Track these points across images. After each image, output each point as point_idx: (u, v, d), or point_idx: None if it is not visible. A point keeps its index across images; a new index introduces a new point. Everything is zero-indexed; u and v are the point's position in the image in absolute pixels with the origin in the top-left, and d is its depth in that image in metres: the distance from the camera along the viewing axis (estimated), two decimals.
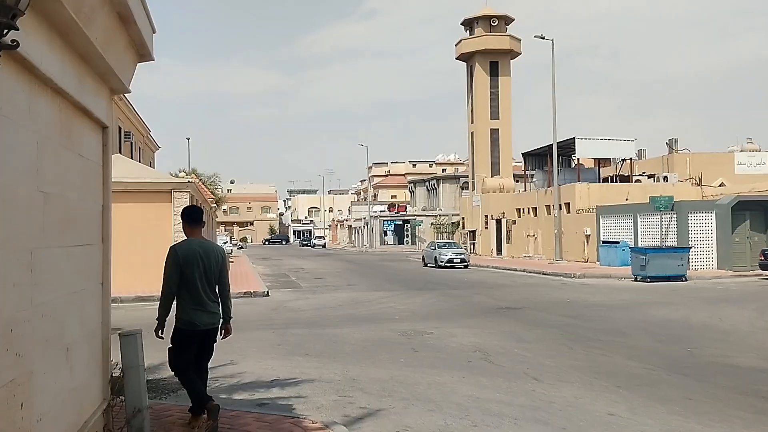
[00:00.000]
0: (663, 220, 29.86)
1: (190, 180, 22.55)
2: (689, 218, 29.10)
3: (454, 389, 8.81)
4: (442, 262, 36.93)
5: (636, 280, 25.79)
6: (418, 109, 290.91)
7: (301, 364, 10.61)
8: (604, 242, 32.97)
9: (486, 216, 49.49)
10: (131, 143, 36.04)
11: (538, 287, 23.98)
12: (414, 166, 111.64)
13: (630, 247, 27.56)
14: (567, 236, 36.57)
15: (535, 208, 41.97)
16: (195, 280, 6.17)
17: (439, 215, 73.09)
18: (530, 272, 31.57)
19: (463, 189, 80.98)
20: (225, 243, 63.55)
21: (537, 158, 45.47)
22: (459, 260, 37.09)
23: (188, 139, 62.74)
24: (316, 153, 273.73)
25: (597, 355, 11.13)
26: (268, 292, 22.15)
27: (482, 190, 51.11)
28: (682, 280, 25.40)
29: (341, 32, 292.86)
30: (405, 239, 77.31)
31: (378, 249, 74.49)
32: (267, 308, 18.69)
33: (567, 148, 40.32)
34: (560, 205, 36.28)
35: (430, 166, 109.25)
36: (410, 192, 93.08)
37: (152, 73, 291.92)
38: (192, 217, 6.49)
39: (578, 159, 39.51)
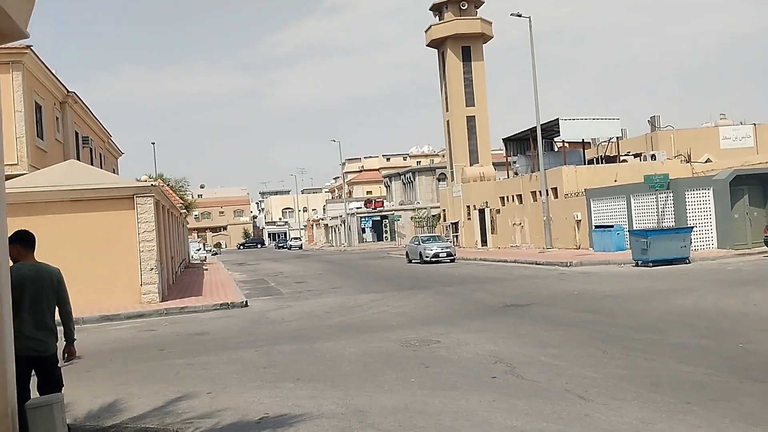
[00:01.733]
0: (659, 199, 28.44)
1: (153, 183, 20.53)
2: (686, 196, 27.72)
3: (487, 419, 7.07)
4: (427, 257, 35.27)
5: (637, 265, 24.33)
6: (389, 104, 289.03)
7: (294, 393, 8.79)
8: (596, 227, 31.51)
9: (468, 206, 47.91)
10: (90, 149, 33.82)
11: (537, 279, 22.37)
12: (388, 160, 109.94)
13: (629, 231, 26.08)
14: (556, 222, 35.09)
15: (520, 195, 40.47)
16: (23, 306, 5.79)
17: (418, 208, 71.51)
18: (522, 263, 30.02)
19: (440, 180, 79.55)
20: (198, 250, 61.38)
21: (518, 143, 43.98)
22: (445, 254, 35.47)
23: (153, 143, 60.95)
24: (287, 153, 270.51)
25: (640, 359, 9.46)
26: (246, 301, 20.25)
27: (462, 180, 49.52)
28: (686, 263, 23.99)
29: (305, 30, 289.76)
30: (384, 235, 75.60)
31: (357, 247, 72.70)
32: (247, 321, 16.82)
33: (549, 130, 38.87)
34: (547, 191, 34.76)
35: (405, 159, 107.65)
36: (386, 187, 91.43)
37: (114, 79, 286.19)
38: (23, 240, 6.17)
39: (563, 141, 38.04)
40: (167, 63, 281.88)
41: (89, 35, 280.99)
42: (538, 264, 28.54)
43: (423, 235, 41.55)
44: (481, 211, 45.84)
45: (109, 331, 16.49)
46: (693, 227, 25.52)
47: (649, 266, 23.58)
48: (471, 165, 51.55)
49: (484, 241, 45.46)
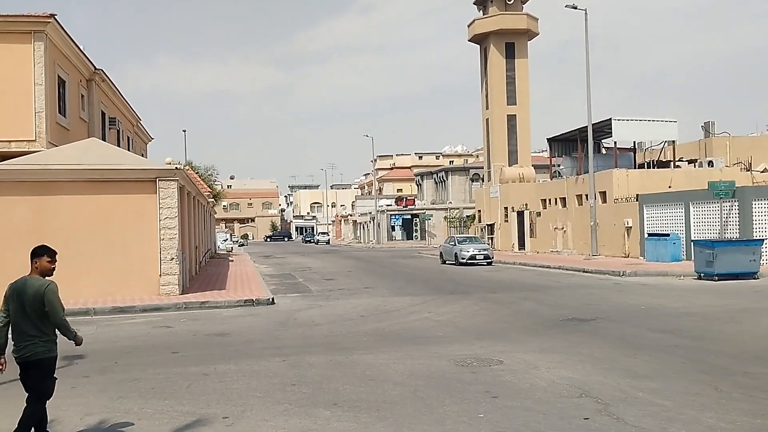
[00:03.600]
0: (723, 208, 26.17)
1: (178, 166, 18.88)
2: (753, 206, 25.41)
3: None
4: (463, 258, 33.28)
5: (700, 278, 22.12)
6: (422, 103, 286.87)
7: (331, 426, 6.98)
8: (650, 235, 29.26)
9: (506, 208, 45.78)
10: (118, 131, 32.40)
11: (591, 289, 20.31)
12: (420, 158, 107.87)
13: (692, 241, 23.86)
14: (603, 229, 32.88)
15: (564, 198, 38.26)
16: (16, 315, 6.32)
17: (450, 208, 69.41)
18: (567, 270, 27.91)
19: (473, 181, 77.39)
20: (225, 240, 60.13)
21: (564, 144, 41.71)
22: (482, 257, 33.44)
23: (184, 131, 59.18)
24: (318, 148, 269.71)
25: (766, 401, 7.49)
26: (273, 299, 18.50)
27: (500, 181, 47.40)
28: (754, 278, 21.73)
29: (339, 28, 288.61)
30: (414, 234, 73.57)
31: (386, 245, 70.84)
32: (273, 321, 15.06)
33: (599, 132, 36.62)
34: (595, 195, 32.56)
35: (437, 158, 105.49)
36: (417, 185, 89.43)
37: (149, 71, 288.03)
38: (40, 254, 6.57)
39: (615, 143, 35.73)
40: (202, 56, 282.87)
41: (126, 24, 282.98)
42: (587, 272, 26.42)
43: (459, 235, 39.55)
44: (520, 214, 43.70)
45: (121, 324, 14.84)
46: (764, 240, 23.24)
47: (714, 280, 21.39)
48: (510, 165, 49.37)
49: (521, 245, 43.31)
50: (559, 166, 41.02)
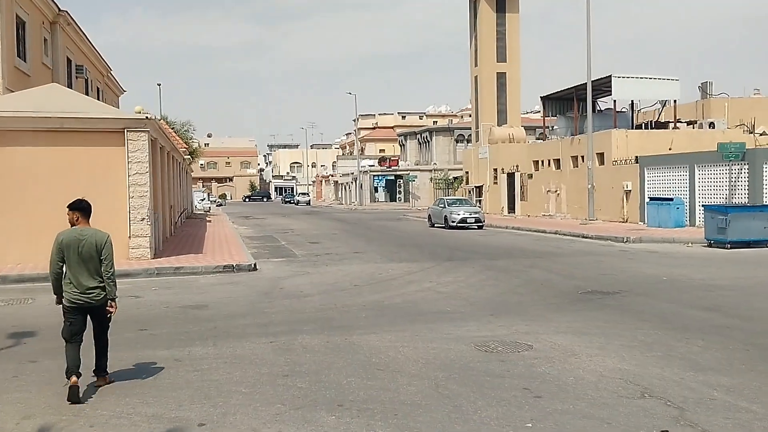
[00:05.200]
0: (732, 172, 24.79)
1: (148, 116, 16.93)
2: (764, 169, 24.05)
3: None
4: (453, 222, 31.76)
5: (710, 245, 20.80)
6: (405, 63, 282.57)
7: None
8: (651, 199, 27.87)
9: (495, 169, 44.23)
10: (86, 80, 30.14)
11: (597, 256, 18.88)
12: (403, 118, 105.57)
13: (704, 206, 22.44)
14: (600, 192, 31.45)
15: (558, 159, 36.73)
16: (71, 265, 6.71)
17: (435, 169, 67.76)
18: (565, 235, 26.51)
19: (458, 142, 75.69)
20: (203, 200, 58.09)
21: (558, 103, 40.04)
22: (473, 220, 31.95)
23: (159, 84, 56.55)
24: (298, 107, 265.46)
25: None
26: (255, 264, 16.83)
27: (489, 141, 45.75)
28: (767, 246, 20.45)
29: None
30: (397, 196, 71.96)
31: (368, 206, 69.20)
32: (256, 291, 13.41)
33: (596, 89, 34.94)
34: (593, 156, 31.04)
35: (421, 118, 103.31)
36: (400, 146, 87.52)
37: (125, 24, 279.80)
38: (80, 208, 6.96)
39: (615, 102, 34.11)
40: (179, 10, 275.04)
41: None
42: (587, 237, 25.01)
43: (449, 197, 37.92)
44: (510, 176, 42.18)
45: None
46: None
47: (726, 248, 20.06)
48: (499, 125, 47.66)
49: (511, 208, 41.89)
50: (552, 126, 39.40)
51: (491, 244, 23.30)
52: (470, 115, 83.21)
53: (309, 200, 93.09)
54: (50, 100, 17.00)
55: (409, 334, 9.20)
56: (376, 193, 73.26)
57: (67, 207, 6.95)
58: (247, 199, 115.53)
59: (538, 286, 13.59)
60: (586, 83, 31.55)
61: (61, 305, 6.86)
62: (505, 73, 49.20)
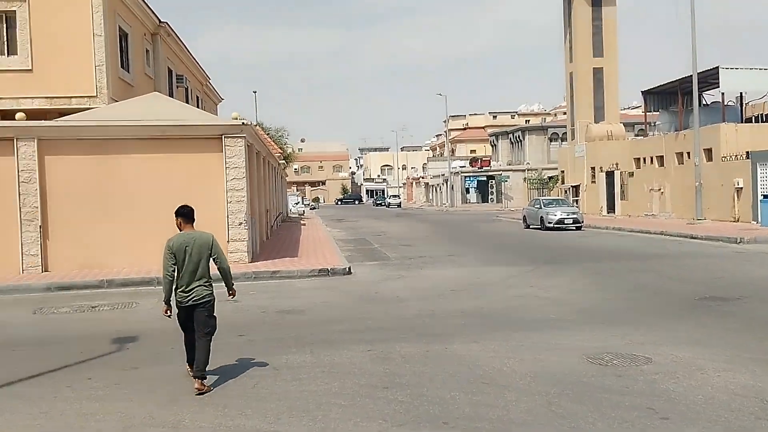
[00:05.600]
0: None
1: (245, 122, 17.09)
2: None
3: None
4: (550, 222, 30.77)
5: None
6: (495, 62, 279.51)
7: None
8: (765, 197, 26.05)
9: (593, 168, 42.69)
10: (186, 89, 31.02)
11: (710, 258, 17.69)
12: (494, 117, 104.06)
13: None
14: (708, 190, 29.70)
15: (661, 156, 35.01)
16: (184, 266, 7.13)
17: (529, 169, 66.29)
18: (672, 235, 25.13)
19: (551, 140, 73.87)
20: (297, 203, 59.09)
21: (660, 97, 38.22)
22: (571, 221, 30.85)
23: (255, 92, 57.92)
24: (388, 110, 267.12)
25: None
26: (350, 268, 16.68)
27: (586, 139, 44.21)
28: None
29: None
30: (489, 197, 70.86)
31: (460, 208, 68.48)
32: (352, 296, 13.21)
33: (702, 82, 33.03)
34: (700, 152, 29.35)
35: (512, 117, 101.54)
36: (492, 146, 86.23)
37: (221, 36, 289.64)
38: (183, 214, 7.41)
39: (723, 94, 32.22)
40: (271, 21, 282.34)
41: None
42: (695, 238, 23.60)
43: (545, 198, 36.86)
44: (609, 174, 40.59)
45: None
46: None
47: None
48: (596, 122, 46.01)
49: (611, 208, 40.29)
50: (654, 122, 37.63)
51: (592, 246, 22.33)
52: (564, 113, 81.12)
53: (400, 202, 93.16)
54: (152, 109, 17.46)
55: (514, 343, 8.70)
56: (467, 195, 72.46)
57: (174, 213, 7.43)
58: (339, 202, 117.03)
59: (648, 291, 12.76)
60: (690, 76, 29.93)
61: (167, 306, 7.18)
62: (602, 68, 47.40)
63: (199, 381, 6.93)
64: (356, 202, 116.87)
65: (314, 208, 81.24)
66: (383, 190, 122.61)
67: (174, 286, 7.16)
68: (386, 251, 22.67)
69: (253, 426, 5.91)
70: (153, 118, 16.73)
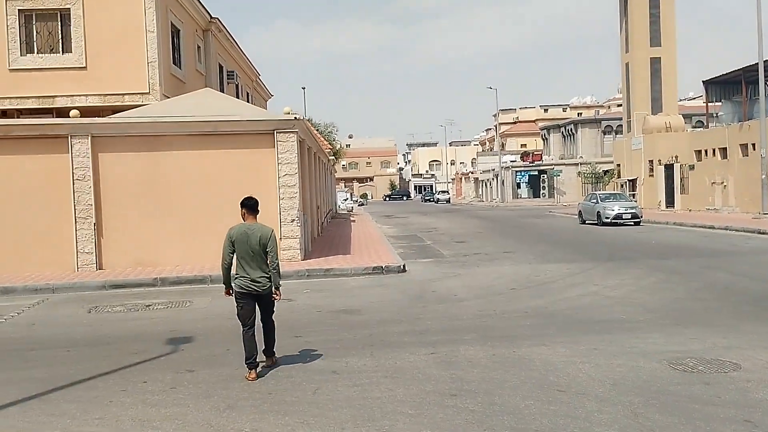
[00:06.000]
0: None
1: (297, 117, 16.82)
2: None
3: None
4: (607, 218, 29.84)
5: None
6: (544, 55, 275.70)
7: None
8: None
9: (651, 161, 41.40)
10: (237, 85, 31.04)
11: None
12: (546, 111, 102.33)
13: None
14: None
15: (724, 148, 33.68)
16: (244, 256, 7.42)
17: (582, 163, 64.87)
18: (738, 231, 24.04)
19: (605, 133, 72.17)
20: (345, 200, 58.92)
21: (723, 87, 36.80)
22: (629, 216, 29.86)
23: (303, 88, 57.77)
24: (435, 105, 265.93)
25: None
26: (404, 266, 16.27)
27: (643, 131, 42.90)
28: None
29: None
30: (541, 192, 69.63)
31: (510, 203, 67.46)
32: (408, 295, 12.80)
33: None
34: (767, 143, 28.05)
35: (564, 110, 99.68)
36: (543, 139, 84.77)
37: (270, 33, 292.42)
38: (247, 205, 7.70)
39: None
40: (319, 18, 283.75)
41: None
42: (763, 233, 22.52)
43: (601, 192, 35.83)
44: (668, 167, 39.27)
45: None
46: None
47: None
48: (653, 114, 44.61)
49: (670, 202, 38.99)
50: (716, 113, 36.25)
51: (653, 242, 21.46)
52: (619, 105, 79.23)
53: (449, 198, 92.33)
54: (204, 105, 17.34)
55: (585, 346, 8.18)
56: (518, 189, 71.37)
57: (240, 204, 7.73)
58: (387, 198, 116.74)
59: (722, 290, 12.04)
60: (755, 64, 28.66)
61: (227, 287, 7.68)
62: (660, 57, 45.93)
63: (271, 358, 7.73)
64: (404, 198, 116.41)
65: (362, 205, 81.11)
66: (431, 186, 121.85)
67: (234, 273, 7.47)
68: (439, 248, 22.20)
69: None
70: (205, 114, 16.60)
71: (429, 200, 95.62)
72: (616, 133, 72.35)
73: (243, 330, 7.46)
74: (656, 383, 6.60)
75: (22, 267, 15.65)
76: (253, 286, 7.42)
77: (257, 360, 7.37)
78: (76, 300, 13.17)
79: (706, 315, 9.94)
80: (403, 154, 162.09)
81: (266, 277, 7.47)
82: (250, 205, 7.70)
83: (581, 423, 5.59)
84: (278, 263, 7.59)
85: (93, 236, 16.04)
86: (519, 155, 78.41)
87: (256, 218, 7.71)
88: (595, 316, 10.12)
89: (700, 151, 36.35)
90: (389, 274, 15.57)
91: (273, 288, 7.54)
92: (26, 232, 15.84)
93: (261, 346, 7.63)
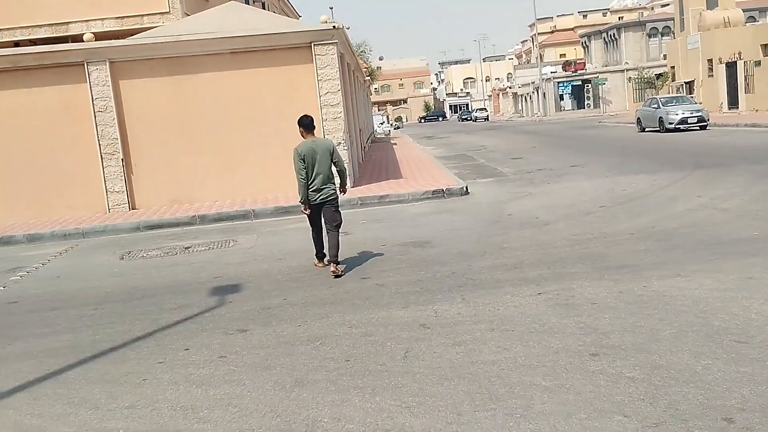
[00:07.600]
0: None
1: (336, 25, 14.83)
2: None
3: None
4: (670, 123, 27.50)
5: None
6: None
7: None
8: None
9: (709, 60, 38.33)
10: (263, 4, 28.87)
11: None
12: (585, 17, 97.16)
13: None
14: None
15: None
16: (314, 169, 7.86)
17: (628, 69, 61.39)
18: None
19: (650, 36, 68.20)
20: (382, 123, 56.83)
21: None
22: (695, 119, 27.50)
23: (331, 8, 55.06)
24: (467, 20, 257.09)
25: None
26: (467, 187, 14.51)
27: (700, 28, 39.63)
28: None
29: None
30: (585, 102, 66.44)
31: (554, 116, 64.49)
32: (480, 219, 11.12)
33: None
34: None
35: (604, 15, 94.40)
36: (583, 47, 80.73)
37: None
38: (303, 124, 8.07)
39: None
40: None
41: None
42: None
43: (662, 96, 33.19)
44: (730, 65, 36.22)
45: (286, 231, 11.56)
46: None
47: None
48: (709, 9, 41.13)
49: (733, 103, 36.14)
50: None
51: (736, 146, 19.30)
52: (663, 5, 74.55)
53: (487, 116, 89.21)
54: (230, 21, 15.46)
55: (735, 275, 6.44)
56: (561, 102, 68.19)
57: (297, 123, 8.12)
58: (422, 120, 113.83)
59: None
60: None
61: (304, 205, 7.96)
62: None
63: (334, 265, 7.81)
64: (440, 119, 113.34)
65: (398, 128, 78.81)
66: (467, 105, 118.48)
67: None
68: (497, 166, 20.36)
69: (422, 427, 3.96)
70: (233, 30, 14.74)
71: (466, 119, 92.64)
72: (662, 36, 68.20)
73: (312, 233, 8.28)
74: None
75: (49, 211, 14.33)
76: (321, 196, 7.87)
77: (324, 254, 8.20)
78: (107, 245, 11.79)
79: None
80: (436, 74, 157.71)
81: (333, 185, 7.99)
82: (306, 124, 8.04)
83: None
84: (345, 166, 8.35)
85: (122, 173, 14.57)
86: (560, 66, 74.67)
87: (314, 134, 8.08)
88: (720, 235, 8.33)
89: (766, 45, 33.26)
90: (451, 198, 13.86)
91: (340, 186, 8.23)
92: (50, 173, 14.42)
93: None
